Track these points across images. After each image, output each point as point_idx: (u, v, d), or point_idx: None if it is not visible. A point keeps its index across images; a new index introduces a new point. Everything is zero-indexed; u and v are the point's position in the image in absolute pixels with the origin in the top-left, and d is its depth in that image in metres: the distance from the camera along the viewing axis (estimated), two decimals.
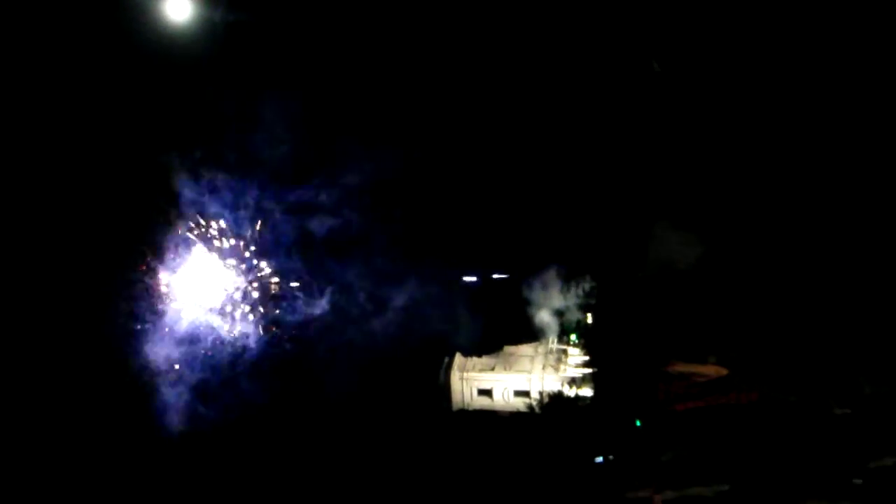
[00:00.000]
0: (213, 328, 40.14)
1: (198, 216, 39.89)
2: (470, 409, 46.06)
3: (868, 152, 21.15)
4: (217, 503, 41.10)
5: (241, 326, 40.68)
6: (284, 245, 42.02)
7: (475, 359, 46.91)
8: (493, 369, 46.10)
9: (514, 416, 43.80)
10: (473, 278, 45.79)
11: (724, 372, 25.90)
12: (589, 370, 42.29)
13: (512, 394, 45.07)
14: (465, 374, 46.08)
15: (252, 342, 40.66)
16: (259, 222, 41.17)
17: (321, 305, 42.72)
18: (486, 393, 45.89)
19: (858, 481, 20.12)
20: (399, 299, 43.85)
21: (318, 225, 42.10)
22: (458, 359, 46.69)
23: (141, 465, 39.55)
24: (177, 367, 39.29)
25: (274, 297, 41.58)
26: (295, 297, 41.97)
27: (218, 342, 40.20)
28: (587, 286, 43.87)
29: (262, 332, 41.02)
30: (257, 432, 42.56)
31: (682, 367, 26.89)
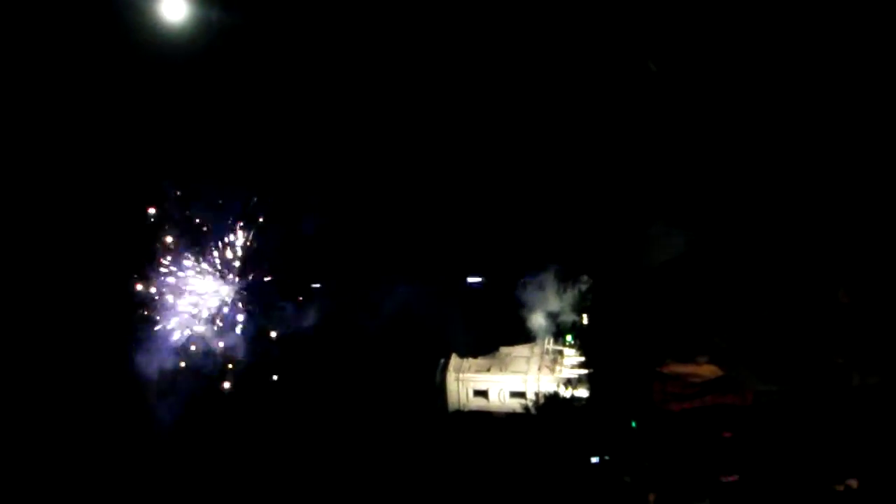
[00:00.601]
0: (202, 338, 39.97)
1: (188, 222, 39.76)
2: (465, 409, 46.09)
3: (867, 154, 21.26)
4: None
5: (230, 336, 40.48)
6: (276, 248, 41.95)
7: (471, 360, 46.92)
8: (488, 370, 46.12)
9: (509, 417, 43.83)
10: (469, 279, 45.82)
11: (721, 372, 25.91)
12: (584, 371, 42.32)
13: (508, 395, 45.11)
14: (460, 375, 46.09)
15: (240, 351, 40.49)
16: (251, 226, 41.07)
17: (314, 308, 42.69)
18: (482, 394, 45.90)
19: (853, 482, 20.18)
20: (394, 300, 43.87)
21: (312, 228, 42.09)
22: (454, 360, 46.71)
23: (133, 473, 39.40)
24: (167, 377, 39.15)
25: (265, 304, 41.48)
26: (286, 302, 41.89)
27: (207, 352, 40.03)
28: (583, 287, 43.93)
29: (250, 340, 40.88)
30: (252, 436, 42.54)
31: (677, 368, 26.88)
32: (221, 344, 40.10)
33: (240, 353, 40.58)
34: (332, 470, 41.43)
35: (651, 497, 22.87)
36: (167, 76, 37.26)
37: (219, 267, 40.65)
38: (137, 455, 39.32)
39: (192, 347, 39.66)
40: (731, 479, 20.27)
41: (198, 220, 39.71)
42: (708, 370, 26.31)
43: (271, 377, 42.16)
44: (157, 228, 39.13)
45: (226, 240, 40.45)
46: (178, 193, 38.71)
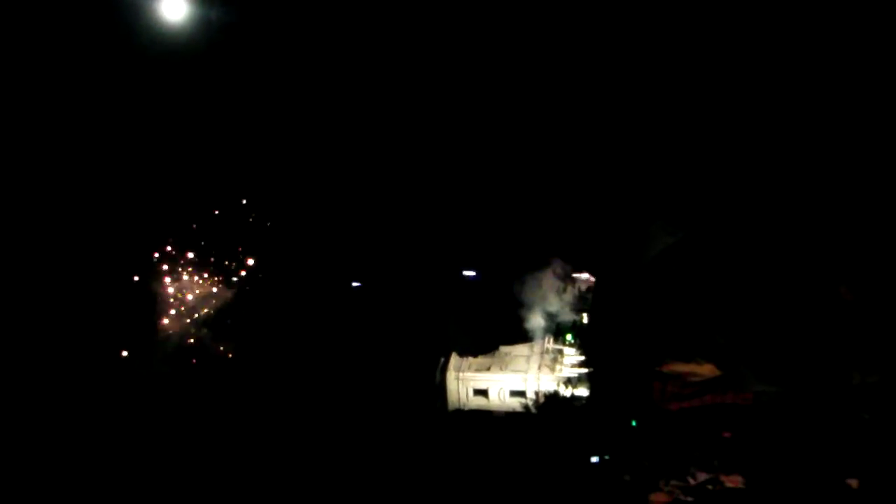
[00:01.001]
0: (199, 340, 39.83)
1: (188, 225, 39.60)
2: (466, 409, 46.02)
3: (865, 155, 21.22)
4: None
5: (225, 340, 40.35)
6: (274, 249, 41.87)
7: (471, 359, 46.85)
8: (488, 369, 46.03)
9: (510, 416, 43.78)
10: (470, 278, 45.83)
11: (720, 371, 25.91)
12: (584, 370, 42.29)
13: (508, 394, 45.03)
14: (460, 374, 46.01)
15: (238, 351, 40.35)
16: (250, 226, 40.97)
17: (313, 308, 42.64)
18: (482, 393, 45.82)
19: (853, 482, 20.19)
20: (394, 299, 43.92)
21: (310, 226, 42.06)
22: (454, 359, 46.63)
23: (130, 474, 39.33)
24: (166, 379, 39.06)
25: (263, 306, 41.35)
26: (282, 303, 41.80)
27: (204, 356, 39.90)
28: (583, 286, 43.96)
29: (248, 340, 40.73)
30: (251, 435, 42.57)
31: (677, 367, 26.88)
32: (221, 348, 40.06)
33: (238, 353, 40.55)
34: (333, 469, 41.44)
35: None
36: (166, 75, 37.26)
37: (217, 269, 40.60)
38: (134, 457, 39.28)
39: (191, 351, 39.63)
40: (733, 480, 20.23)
41: (196, 222, 39.62)
42: (707, 369, 26.33)
43: (270, 377, 42.13)
44: (157, 230, 39.03)
45: (224, 242, 40.37)
46: (177, 196, 38.62)
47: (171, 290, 39.57)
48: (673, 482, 24.16)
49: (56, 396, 38.81)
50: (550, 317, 44.86)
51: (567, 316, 44.53)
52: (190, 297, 40.10)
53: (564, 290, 43.91)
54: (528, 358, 45.62)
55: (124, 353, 38.47)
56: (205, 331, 40.02)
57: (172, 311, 39.48)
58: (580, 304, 44.06)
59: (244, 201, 40.56)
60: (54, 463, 38.30)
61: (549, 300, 44.36)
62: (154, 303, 39.17)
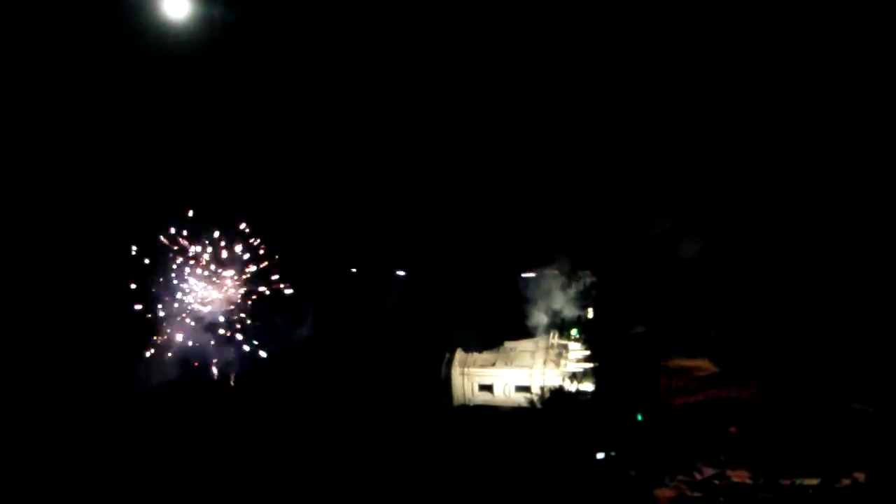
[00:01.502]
0: (202, 346, 39.78)
1: (189, 230, 39.50)
2: (471, 404, 46.09)
3: (862, 152, 21.19)
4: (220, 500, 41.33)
5: (229, 347, 40.29)
6: (276, 249, 41.84)
7: (476, 354, 46.91)
8: (493, 365, 46.10)
9: (515, 412, 43.84)
10: (472, 275, 45.93)
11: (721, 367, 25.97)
12: (590, 365, 42.32)
13: (513, 389, 45.08)
14: (466, 370, 46.07)
15: (237, 361, 40.31)
16: (250, 226, 40.91)
17: (321, 305, 42.74)
18: (487, 388, 45.90)
19: (860, 475, 20.24)
20: (399, 296, 44.00)
21: (316, 224, 42.05)
22: (459, 354, 46.71)
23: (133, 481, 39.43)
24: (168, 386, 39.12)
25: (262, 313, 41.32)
26: (287, 302, 41.81)
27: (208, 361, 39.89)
28: (588, 282, 43.98)
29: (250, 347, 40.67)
30: (259, 428, 42.71)
31: (682, 362, 26.94)
32: (220, 354, 40.09)
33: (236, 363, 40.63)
34: (340, 464, 41.57)
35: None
36: (168, 75, 37.31)
37: (217, 277, 40.59)
38: (134, 466, 39.38)
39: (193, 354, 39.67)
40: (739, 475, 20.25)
41: (197, 222, 39.58)
42: (711, 364, 26.40)
43: (276, 374, 42.21)
44: (158, 231, 38.98)
45: (223, 248, 40.32)
46: (179, 202, 38.60)
47: (172, 294, 39.61)
48: (679, 477, 24.22)
49: (57, 402, 38.93)
50: (555, 312, 44.91)
51: (572, 311, 44.57)
52: (192, 300, 40.14)
53: (569, 286, 43.95)
54: (533, 353, 45.66)
55: (125, 359, 38.59)
56: (207, 334, 40.08)
57: (174, 317, 39.53)
58: (585, 299, 44.09)
59: (244, 202, 40.56)
60: (55, 467, 38.48)
61: (553, 296, 44.41)
62: (156, 308, 39.24)
